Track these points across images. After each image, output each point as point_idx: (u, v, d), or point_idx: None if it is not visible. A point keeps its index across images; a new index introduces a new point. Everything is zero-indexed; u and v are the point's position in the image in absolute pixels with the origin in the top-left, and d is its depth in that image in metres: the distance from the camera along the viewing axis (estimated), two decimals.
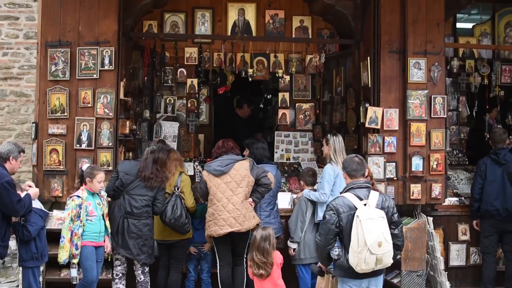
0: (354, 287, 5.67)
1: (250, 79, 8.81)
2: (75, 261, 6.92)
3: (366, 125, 8.27)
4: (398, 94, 8.25)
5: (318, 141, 9.30)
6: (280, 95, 9.23)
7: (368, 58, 8.34)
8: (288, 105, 9.28)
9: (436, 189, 8.20)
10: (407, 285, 7.69)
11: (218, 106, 10.44)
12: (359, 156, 6.06)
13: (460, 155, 9.65)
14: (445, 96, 8.27)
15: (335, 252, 5.66)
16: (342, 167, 6.15)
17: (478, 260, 8.57)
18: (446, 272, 7.87)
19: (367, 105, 8.35)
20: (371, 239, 5.45)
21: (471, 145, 9.95)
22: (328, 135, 7.92)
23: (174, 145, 9.16)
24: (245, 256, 7.55)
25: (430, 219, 7.90)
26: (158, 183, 7.34)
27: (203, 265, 7.98)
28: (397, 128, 8.22)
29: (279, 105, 9.23)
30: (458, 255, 8.65)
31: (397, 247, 5.77)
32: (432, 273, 8.02)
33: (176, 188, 7.58)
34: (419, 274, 7.71)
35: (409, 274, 7.71)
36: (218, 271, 7.57)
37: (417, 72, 8.22)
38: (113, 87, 7.98)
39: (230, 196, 7.42)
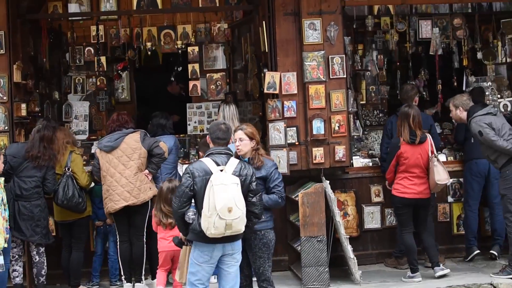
0: (206, 251, 5.60)
1: (149, 52, 8.71)
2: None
3: (265, 90, 8.10)
4: (296, 57, 8.05)
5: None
6: (190, 66, 9.08)
7: (264, 22, 8.15)
8: (199, 76, 9.12)
9: (340, 151, 8.01)
10: (307, 251, 7.54)
11: (142, 83, 10.36)
12: (227, 124, 5.97)
13: (380, 115, 9.45)
14: (343, 55, 8.04)
15: (189, 215, 5.61)
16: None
17: (394, 222, 8.37)
18: (348, 236, 7.70)
19: (265, 70, 8.18)
20: (221, 204, 5.36)
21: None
22: (220, 103, 7.81)
23: (85, 125, 9.14)
24: (145, 230, 7.51)
25: (327, 182, 7.71)
26: (46, 162, 7.31)
27: (109, 242, 7.97)
28: (296, 91, 8.03)
29: (190, 77, 9.09)
30: (372, 218, 8.48)
31: (255, 215, 5.70)
32: None
33: (66, 169, 7.52)
34: (319, 239, 7.55)
35: (309, 239, 7.56)
36: (118, 246, 7.56)
37: (312, 33, 8.01)
38: (6, 71, 7.92)
39: (123, 170, 7.40)
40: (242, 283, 6.27)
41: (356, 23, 8.99)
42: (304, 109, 8.03)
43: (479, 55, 9.35)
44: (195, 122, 9.41)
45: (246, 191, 5.61)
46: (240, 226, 5.48)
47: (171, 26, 9.14)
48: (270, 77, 8.04)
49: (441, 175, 7.36)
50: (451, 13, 9.49)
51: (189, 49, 9.14)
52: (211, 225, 5.40)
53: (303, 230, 7.57)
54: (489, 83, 9.60)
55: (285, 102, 8.02)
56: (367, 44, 9.42)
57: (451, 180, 8.19)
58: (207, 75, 9.13)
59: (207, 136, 5.99)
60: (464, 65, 9.25)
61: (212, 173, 5.51)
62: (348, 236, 7.70)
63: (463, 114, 7.69)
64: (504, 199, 7.44)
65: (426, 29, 9.32)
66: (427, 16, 9.42)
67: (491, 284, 7.33)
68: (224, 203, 5.37)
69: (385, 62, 9.48)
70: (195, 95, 9.18)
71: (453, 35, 9.39)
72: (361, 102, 9.49)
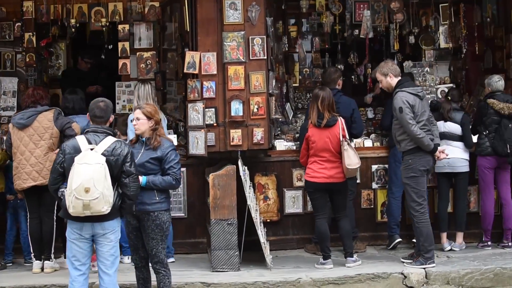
0: (75, 229, 5.57)
1: (73, 29, 8.59)
2: None
3: (185, 70, 7.98)
4: (216, 37, 7.88)
5: (159, 89, 9.03)
6: (120, 44, 8.91)
7: (186, 1, 7.99)
8: (129, 55, 8.97)
9: (258, 134, 7.87)
10: (217, 234, 7.43)
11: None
12: (107, 102, 5.88)
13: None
14: (264, 36, 7.87)
15: (62, 191, 5.54)
16: None
17: None
18: (262, 220, 7.62)
19: (186, 50, 8.04)
20: (77, 183, 5.29)
21: None
22: (137, 82, 7.70)
23: (13, 101, 9.06)
24: (55, 208, 7.41)
25: (240, 164, 7.58)
26: None
27: (20, 217, 7.87)
28: (215, 72, 7.87)
29: (119, 55, 8.94)
30: (294, 202, 8.36)
31: (127, 197, 5.61)
32: None
33: None
34: (229, 222, 7.44)
35: (219, 222, 7.44)
36: (28, 223, 7.51)
37: (233, 13, 7.84)
38: None
39: (33, 149, 7.33)
40: (137, 264, 6.26)
41: (285, 5, 8.75)
42: (223, 90, 7.87)
43: (411, 39, 9.16)
44: (124, 101, 9.27)
45: (119, 172, 5.50)
46: (99, 207, 5.37)
47: (102, 3, 8.96)
48: (190, 57, 7.90)
49: (351, 160, 7.20)
50: None
51: (120, 27, 8.96)
52: (70, 204, 5.36)
53: (213, 212, 7.46)
54: (427, 68, 9.44)
55: (204, 83, 7.88)
56: (301, 26, 9.23)
57: (377, 166, 8.10)
58: (137, 53, 8.95)
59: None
60: (396, 49, 9.05)
61: (81, 151, 5.41)
62: (266, 220, 7.79)
63: (394, 81, 7.32)
64: (406, 188, 7.28)
65: (361, 12, 9.14)
66: None
67: (401, 274, 7.20)
68: (80, 183, 5.30)
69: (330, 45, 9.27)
70: (124, 74, 9.04)
71: (391, 18, 9.21)
72: (294, 85, 9.34)
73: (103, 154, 5.46)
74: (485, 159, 8.07)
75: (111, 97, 9.01)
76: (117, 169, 5.51)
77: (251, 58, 7.85)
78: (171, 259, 7.88)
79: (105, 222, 5.56)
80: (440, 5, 9.20)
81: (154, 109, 6.19)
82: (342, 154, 7.24)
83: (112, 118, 5.85)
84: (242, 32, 7.82)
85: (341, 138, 7.23)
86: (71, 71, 10.29)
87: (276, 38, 8.73)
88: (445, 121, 8.09)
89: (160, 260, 6.10)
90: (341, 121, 7.29)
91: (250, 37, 7.83)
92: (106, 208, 5.39)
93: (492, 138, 7.99)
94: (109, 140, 5.57)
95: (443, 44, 9.31)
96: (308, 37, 9.29)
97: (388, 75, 7.27)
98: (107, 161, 5.44)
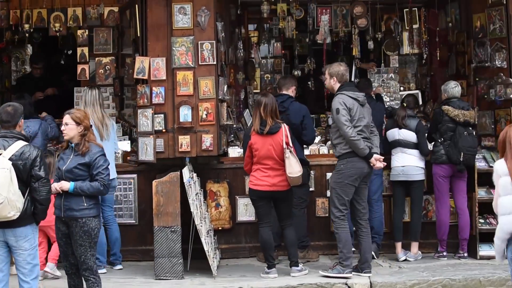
0: None
1: (27, 34, 8.58)
2: None
3: (134, 75, 7.92)
4: (166, 42, 7.81)
5: (117, 95, 8.97)
6: (79, 50, 8.90)
7: (136, 6, 7.94)
8: (88, 60, 8.93)
9: (207, 140, 7.77)
10: (160, 242, 7.33)
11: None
12: (15, 106, 5.84)
13: None
14: (214, 41, 7.77)
15: None
16: None
17: None
18: (209, 229, 7.51)
19: (136, 55, 7.99)
20: None
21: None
22: (86, 87, 7.67)
23: None
24: None
25: (186, 171, 7.47)
26: None
27: None
28: (165, 77, 7.80)
29: (78, 60, 8.91)
30: (246, 210, 8.23)
31: (37, 201, 5.54)
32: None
33: None
34: (173, 229, 7.34)
35: (162, 229, 7.35)
36: None
37: (182, 17, 7.77)
38: None
39: None
40: (68, 270, 6.18)
41: (246, 10, 8.66)
42: (173, 96, 7.79)
43: (370, 44, 8.99)
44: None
45: (28, 176, 5.44)
46: (5, 212, 5.31)
47: (63, 8, 8.94)
48: (140, 62, 7.85)
49: (293, 168, 7.03)
50: (352, 0, 9.14)
51: (79, 32, 8.97)
52: None
53: (156, 219, 7.37)
54: (391, 74, 9.27)
55: (153, 88, 7.81)
56: (263, 31, 9.11)
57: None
58: (96, 59, 8.92)
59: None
60: (354, 54, 8.90)
61: None
62: (218, 228, 7.84)
63: (336, 85, 7.14)
64: (332, 192, 7.12)
65: (324, 16, 9.01)
66: (327, 3, 9.10)
67: (346, 284, 7.04)
68: None
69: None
70: (83, 79, 9.00)
71: (354, 23, 9.07)
72: (255, 91, 9.22)
73: (10, 158, 5.40)
74: (440, 167, 7.89)
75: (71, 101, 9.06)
76: (26, 174, 5.45)
77: (200, 63, 7.76)
78: (119, 266, 7.82)
79: (17, 229, 5.49)
80: (404, 10, 9.06)
81: (83, 114, 6.12)
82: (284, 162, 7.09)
83: (22, 122, 5.78)
84: (191, 37, 7.75)
85: (284, 146, 7.07)
86: (23, 78, 10.25)
87: (233, 43, 8.63)
88: (400, 128, 7.93)
89: (89, 267, 6.01)
90: (284, 128, 7.13)
91: (199, 42, 7.75)
92: (13, 214, 5.32)
93: (447, 146, 7.81)
94: (18, 145, 5.51)
95: (406, 50, 9.13)
96: (270, 42, 9.14)
97: (333, 78, 7.12)
98: (16, 166, 5.38)
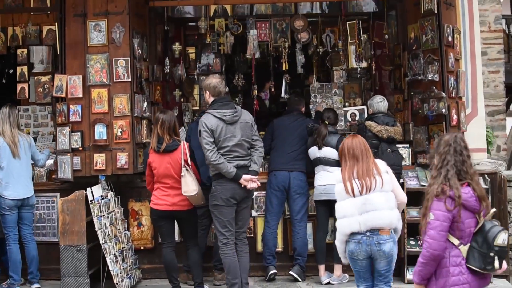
0: None
1: None
2: None
3: (53, 94, 7.91)
4: (83, 59, 7.77)
5: (55, 113, 8.97)
6: (19, 69, 8.98)
7: (56, 24, 7.95)
8: (27, 79, 9.00)
9: (122, 158, 7.66)
10: (66, 261, 7.25)
11: None
12: None
13: None
14: (128, 58, 7.67)
15: None
16: None
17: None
18: (131, 248, 7.36)
19: (56, 72, 7.98)
20: None
21: None
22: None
23: None
24: None
25: (96, 189, 7.37)
26: None
27: None
28: (81, 95, 7.75)
29: (18, 79, 8.98)
30: None
31: None
32: None
33: None
34: (79, 248, 7.25)
35: (68, 248, 7.26)
36: None
37: (97, 34, 7.71)
38: None
39: None
40: None
41: (170, 25, 8.47)
42: (89, 114, 7.73)
43: (301, 59, 8.70)
44: (22, 125, 9.27)
45: None
46: None
47: (3, 27, 9.05)
48: (58, 80, 7.83)
49: (188, 187, 6.80)
50: (292, 14, 8.89)
51: (18, 51, 9.05)
52: None
53: (62, 238, 7.30)
54: (335, 90, 8.94)
55: (71, 106, 7.77)
56: (202, 47, 8.96)
57: (257, 193, 7.73)
58: (35, 77, 8.96)
59: None
60: (284, 69, 8.61)
61: None
62: (140, 248, 7.73)
63: (210, 99, 6.80)
64: (212, 216, 6.81)
65: (264, 31, 8.79)
66: (264, 18, 8.88)
67: None
68: None
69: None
70: (23, 98, 9.07)
71: (296, 37, 8.82)
72: (194, 108, 9.05)
73: None
74: None
75: None
76: None
77: (115, 80, 7.68)
78: (36, 285, 7.76)
79: None
80: (348, 22, 8.74)
81: None
82: None
83: None
84: (106, 54, 7.68)
85: (182, 164, 6.87)
86: None
87: (159, 60, 8.53)
88: (319, 148, 7.61)
89: None
90: (183, 146, 6.94)
91: (114, 59, 7.67)
92: None
93: None
94: None
95: (352, 64, 8.80)
96: (209, 58, 8.97)
97: (206, 92, 6.85)
98: None
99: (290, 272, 7.73)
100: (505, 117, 12.56)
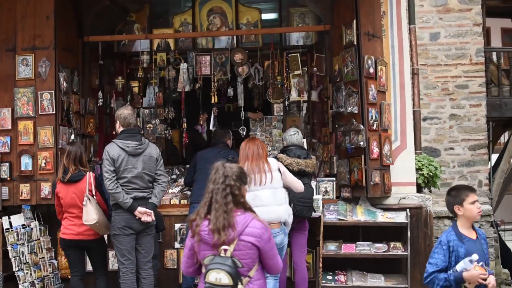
0: None
1: None
2: None
3: None
4: (12, 92, 8.05)
5: None
6: None
7: None
8: None
9: (46, 188, 7.85)
10: None
11: None
12: None
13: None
14: (53, 91, 7.89)
15: None
16: None
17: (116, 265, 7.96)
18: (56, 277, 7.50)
19: None
20: None
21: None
22: None
23: None
24: None
25: (16, 218, 7.57)
26: None
27: None
28: (10, 127, 8.01)
29: None
30: None
31: None
32: None
33: None
34: None
35: None
36: None
37: (25, 68, 7.98)
38: None
39: None
40: None
41: (101, 58, 8.63)
42: (16, 145, 7.98)
43: (230, 91, 8.73)
44: None
45: None
46: None
47: None
48: None
49: (89, 215, 6.90)
50: (232, 48, 8.98)
51: None
52: None
53: None
54: (275, 123, 8.94)
55: (0, 137, 8.03)
56: (146, 81, 9.13)
57: (180, 224, 7.76)
58: None
59: None
60: (213, 102, 8.64)
61: None
62: (68, 277, 7.48)
63: (120, 130, 6.92)
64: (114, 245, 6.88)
65: (204, 65, 8.90)
66: (205, 52, 9.00)
67: None
68: None
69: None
70: None
71: (236, 71, 8.89)
72: None
73: None
74: None
75: None
76: None
77: (40, 113, 7.90)
78: None
79: None
80: (289, 55, 8.76)
81: None
82: None
83: None
84: (32, 87, 7.93)
85: (86, 193, 7.00)
86: None
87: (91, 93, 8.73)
88: None
89: None
90: (89, 176, 7.06)
91: (39, 92, 7.91)
92: None
93: None
94: None
95: (294, 97, 8.80)
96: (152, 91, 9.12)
97: (117, 121, 6.96)
98: None
99: None
100: (487, 152, 12.26)
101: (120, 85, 9.04)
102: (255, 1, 9.35)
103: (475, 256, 5.18)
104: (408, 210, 7.67)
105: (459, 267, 5.20)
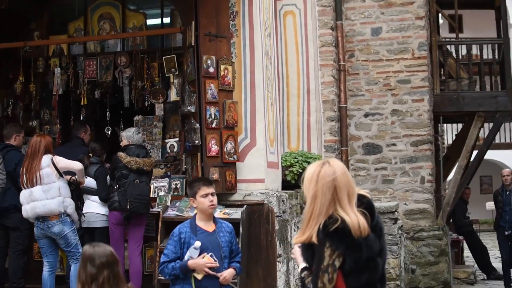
0: None
1: None
2: None
3: None
4: None
5: None
6: None
7: None
8: None
9: None
10: None
11: None
12: None
13: None
14: None
15: None
16: None
17: None
18: None
19: None
20: None
21: None
22: None
23: None
24: None
25: None
26: None
27: None
28: None
29: None
30: None
31: None
32: None
33: None
34: None
35: None
36: None
37: None
38: None
39: None
40: None
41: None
42: None
43: (97, 94, 9.10)
44: None
45: None
46: None
47: None
48: None
49: None
50: (116, 52, 9.39)
51: None
52: None
53: None
54: (155, 122, 9.28)
55: None
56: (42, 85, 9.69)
57: None
58: None
59: None
60: (82, 104, 9.07)
61: None
62: None
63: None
64: None
65: (91, 69, 9.37)
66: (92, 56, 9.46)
67: None
68: None
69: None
70: None
71: (120, 74, 9.31)
72: None
73: None
74: (112, 214, 7.80)
75: None
76: None
77: None
78: None
79: None
80: (164, 57, 9.06)
81: None
82: None
83: None
84: None
85: None
86: None
87: None
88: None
89: None
90: None
91: None
92: None
93: (120, 192, 7.73)
94: None
95: (173, 97, 9.11)
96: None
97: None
98: None
99: None
100: (430, 147, 11.97)
101: (18, 89, 9.62)
102: (142, 6, 9.71)
103: (197, 243, 5.34)
104: (245, 206, 7.78)
105: (186, 256, 5.39)
